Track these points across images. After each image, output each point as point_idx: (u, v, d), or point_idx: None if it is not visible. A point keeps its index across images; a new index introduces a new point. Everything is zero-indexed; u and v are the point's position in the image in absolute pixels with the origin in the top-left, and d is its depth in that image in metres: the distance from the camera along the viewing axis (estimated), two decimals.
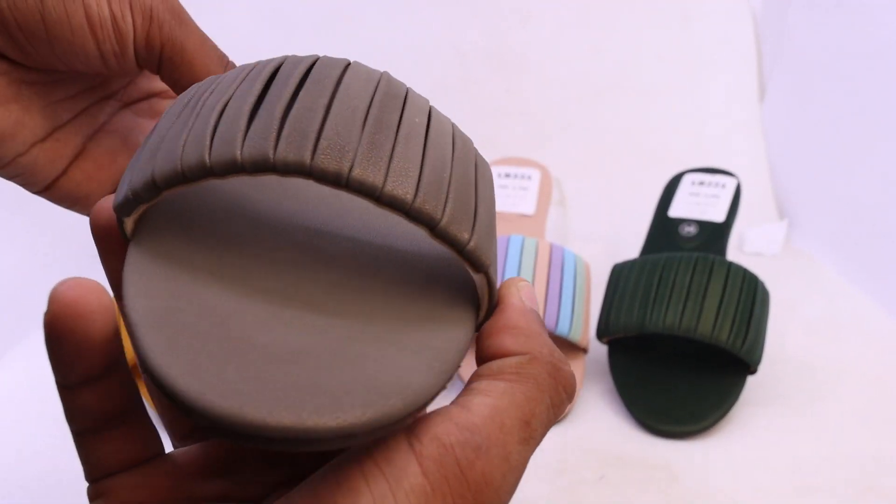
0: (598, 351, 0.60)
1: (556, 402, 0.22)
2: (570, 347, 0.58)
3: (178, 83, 0.30)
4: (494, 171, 0.70)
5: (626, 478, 0.48)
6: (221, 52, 0.31)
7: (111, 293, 0.22)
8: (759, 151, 0.91)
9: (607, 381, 0.58)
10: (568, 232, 0.78)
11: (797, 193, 0.87)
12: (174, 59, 0.29)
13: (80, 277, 0.20)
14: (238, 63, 0.38)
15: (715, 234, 0.64)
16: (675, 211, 0.67)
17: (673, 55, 0.95)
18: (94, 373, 0.21)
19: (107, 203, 0.24)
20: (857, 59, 0.77)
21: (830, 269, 0.76)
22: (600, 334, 0.57)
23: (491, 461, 0.19)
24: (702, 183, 0.68)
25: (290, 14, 0.96)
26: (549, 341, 0.23)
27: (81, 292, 0.19)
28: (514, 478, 0.20)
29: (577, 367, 0.57)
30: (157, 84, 0.34)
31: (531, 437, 0.21)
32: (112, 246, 0.24)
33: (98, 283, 0.20)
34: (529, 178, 0.69)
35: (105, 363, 0.20)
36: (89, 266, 0.87)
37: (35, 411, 0.59)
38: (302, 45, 0.97)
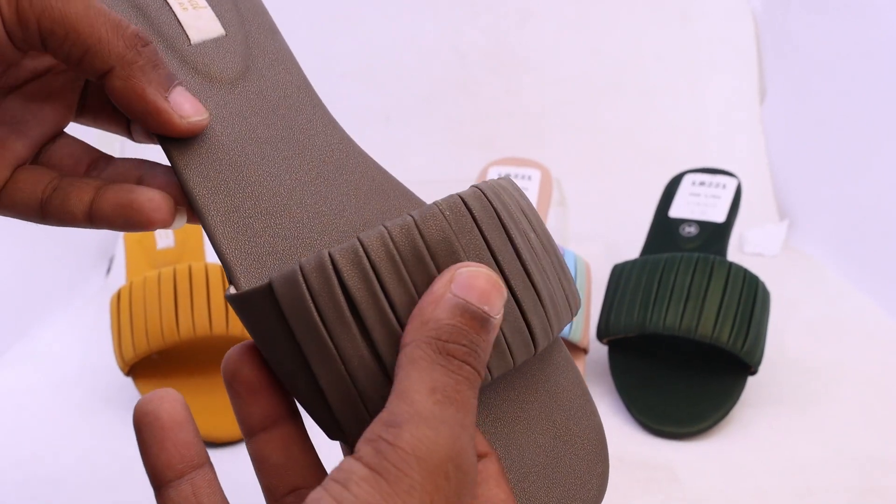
0: (599, 351, 0.60)
1: (452, 368, 0.23)
2: (570, 348, 0.58)
3: (71, 58, 0.26)
4: (494, 171, 0.70)
5: (626, 478, 0.48)
6: (115, 17, 0.27)
7: None
8: (759, 152, 0.91)
9: (607, 382, 0.58)
10: (568, 232, 0.78)
11: (797, 194, 0.87)
12: (56, 31, 0.25)
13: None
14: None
15: (715, 235, 0.64)
16: (675, 211, 0.67)
17: (673, 55, 0.95)
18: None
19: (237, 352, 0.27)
20: (857, 59, 0.77)
21: (830, 270, 0.76)
22: (600, 335, 0.57)
23: (410, 428, 0.21)
24: (702, 183, 0.68)
25: (290, 14, 0.96)
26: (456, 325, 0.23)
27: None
28: (445, 434, 0.21)
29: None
30: (45, 61, 0.30)
31: (445, 399, 0.22)
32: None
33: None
34: (529, 178, 0.69)
35: None
36: (88, 266, 0.87)
37: (34, 410, 0.59)
38: (302, 45, 0.96)
